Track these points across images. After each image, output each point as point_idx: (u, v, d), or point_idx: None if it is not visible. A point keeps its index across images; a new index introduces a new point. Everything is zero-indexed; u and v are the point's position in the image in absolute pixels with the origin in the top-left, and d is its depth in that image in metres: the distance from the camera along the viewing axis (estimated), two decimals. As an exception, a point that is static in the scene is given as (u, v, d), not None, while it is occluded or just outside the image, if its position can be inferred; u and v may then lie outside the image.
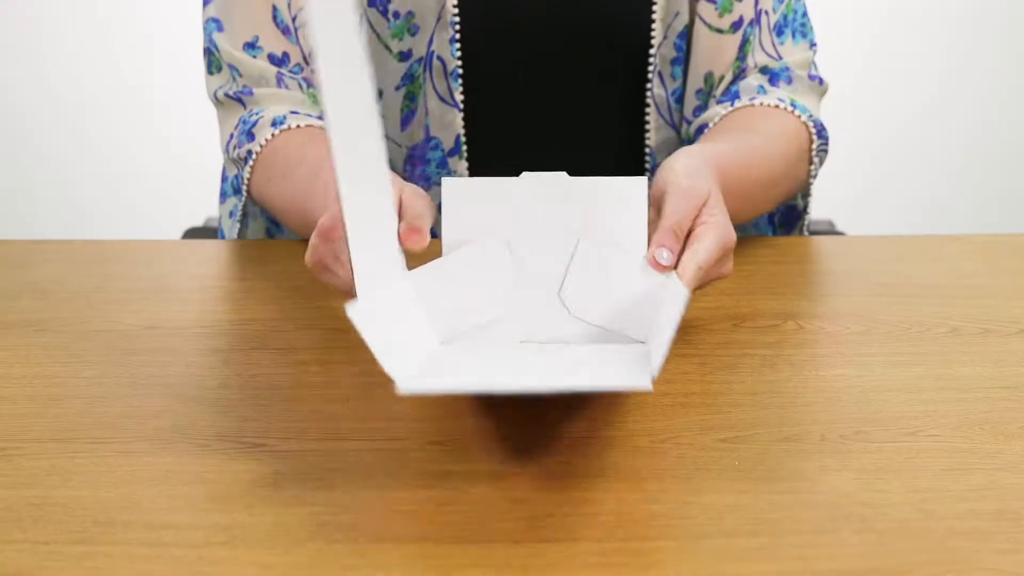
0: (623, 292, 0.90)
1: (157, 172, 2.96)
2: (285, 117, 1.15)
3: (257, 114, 1.16)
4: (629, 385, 0.70)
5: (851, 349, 0.94)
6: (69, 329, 0.99)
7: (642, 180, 0.90)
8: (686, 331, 0.97)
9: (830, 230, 1.49)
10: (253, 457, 0.79)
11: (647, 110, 1.24)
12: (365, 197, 0.82)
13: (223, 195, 1.24)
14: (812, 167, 1.18)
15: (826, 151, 1.19)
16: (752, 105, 1.16)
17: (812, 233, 1.35)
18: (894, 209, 2.94)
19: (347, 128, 0.77)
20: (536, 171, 0.93)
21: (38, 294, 1.07)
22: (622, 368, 0.75)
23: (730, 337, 0.96)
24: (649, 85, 1.23)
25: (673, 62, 1.23)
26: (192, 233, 1.49)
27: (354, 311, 0.72)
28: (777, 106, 1.16)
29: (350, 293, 0.92)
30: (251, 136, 1.15)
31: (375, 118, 0.85)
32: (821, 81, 1.21)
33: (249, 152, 1.15)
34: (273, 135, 1.14)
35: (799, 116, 1.16)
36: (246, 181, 1.15)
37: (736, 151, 1.07)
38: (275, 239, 1.28)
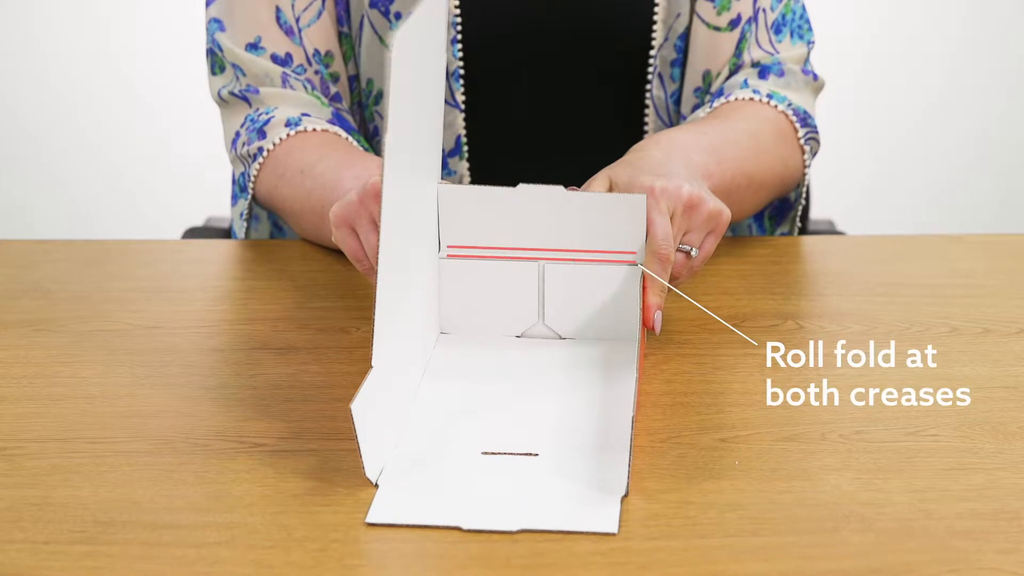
0: (603, 299, 0.93)
1: (157, 172, 2.96)
2: (300, 119, 1.14)
3: (267, 113, 1.16)
4: (593, 528, 0.71)
5: (851, 349, 0.94)
6: (69, 329, 0.99)
7: (641, 197, 0.90)
8: (686, 331, 0.97)
9: (830, 230, 1.49)
10: (253, 457, 0.79)
11: (646, 111, 1.24)
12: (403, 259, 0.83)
13: (234, 197, 1.24)
14: (804, 156, 1.17)
15: (816, 140, 1.19)
16: (727, 101, 1.15)
17: (812, 233, 1.35)
18: (894, 209, 2.93)
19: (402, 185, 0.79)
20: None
21: (39, 294, 1.07)
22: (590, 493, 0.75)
23: (731, 337, 0.96)
24: (649, 87, 1.23)
25: (673, 63, 1.23)
26: (192, 233, 1.49)
27: (356, 408, 0.73)
28: (751, 99, 1.15)
29: (361, 263, 0.93)
30: (262, 134, 1.15)
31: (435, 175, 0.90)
32: (816, 77, 1.21)
33: (260, 149, 1.14)
34: (288, 135, 1.14)
35: (775, 106, 1.15)
36: (253, 178, 1.15)
37: (701, 133, 1.07)
38: (275, 240, 1.28)
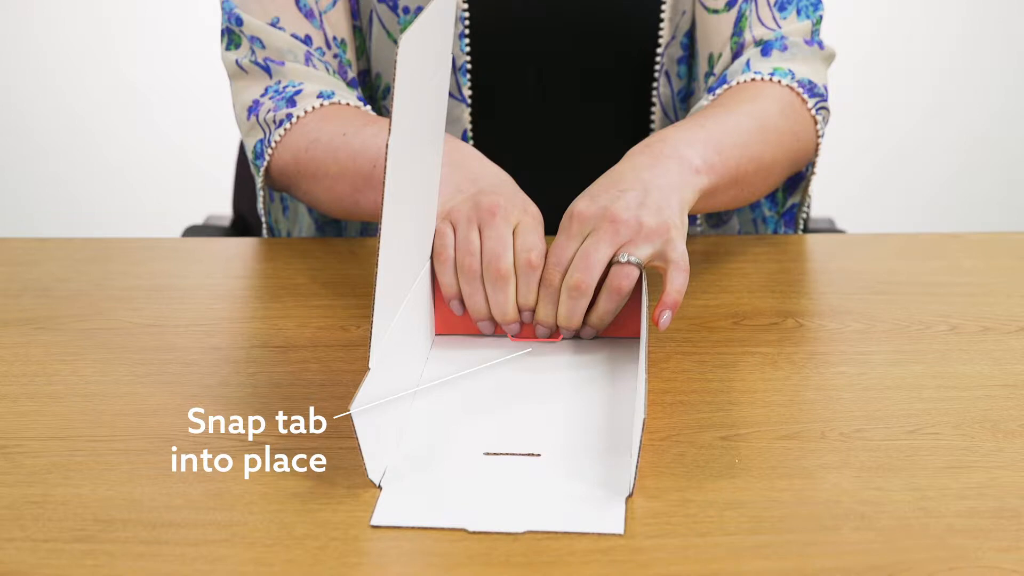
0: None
1: (157, 170, 2.96)
2: (333, 92, 1.14)
3: (293, 86, 1.14)
4: (599, 529, 0.71)
5: (851, 347, 0.94)
6: (70, 327, 0.99)
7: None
8: (686, 329, 0.97)
9: (830, 228, 1.49)
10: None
11: (652, 109, 1.24)
12: (402, 265, 0.84)
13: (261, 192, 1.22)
14: (817, 126, 1.16)
15: (827, 109, 1.17)
16: (729, 87, 1.15)
17: (812, 231, 1.35)
18: (894, 207, 2.94)
19: (401, 195, 0.79)
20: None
21: (39, 292, 1.07)
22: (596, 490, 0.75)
23: (730, 335, 0.96)
24: (656, 84, 1.23)
25: (679, 61, 1.23)
26: (192, 231, 1.49)
27: (356, 410, 0.73)
28: (753, 79, 1.15)
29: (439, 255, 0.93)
30: (292, 102, 1.13)
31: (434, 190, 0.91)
32: (822, 46, 1.19)
33: (289, 115, 1.12)
34: (321, 104, 1.12)
35: (779, 81, 1.14)
36: (274, 143, 1.13)
37: (699, 126, 1.06)
38: (274, 238, 1.28)
